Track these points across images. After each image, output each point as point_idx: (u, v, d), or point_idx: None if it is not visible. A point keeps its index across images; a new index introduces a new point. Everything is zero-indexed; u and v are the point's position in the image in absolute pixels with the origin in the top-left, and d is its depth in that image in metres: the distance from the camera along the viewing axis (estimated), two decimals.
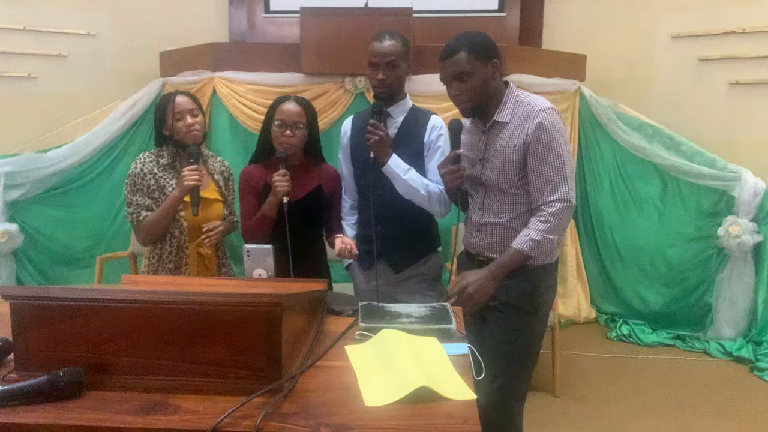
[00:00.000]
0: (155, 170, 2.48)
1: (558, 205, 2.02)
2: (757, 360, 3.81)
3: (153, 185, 2.47)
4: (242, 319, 1.27)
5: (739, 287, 4.03)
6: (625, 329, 4.30)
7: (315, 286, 1.69)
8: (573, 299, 4.44)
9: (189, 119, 2.48)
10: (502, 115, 2.12)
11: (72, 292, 1.30)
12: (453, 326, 1.64)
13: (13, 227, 4.09)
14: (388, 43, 2.42)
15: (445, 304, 1.81)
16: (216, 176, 2.63)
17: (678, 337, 4.21)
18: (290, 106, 2.49)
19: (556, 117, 2.08)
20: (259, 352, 1.28)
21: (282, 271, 2.25)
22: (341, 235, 2.46)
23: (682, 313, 4.26)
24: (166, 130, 2.52)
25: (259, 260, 1.98)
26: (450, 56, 2.09)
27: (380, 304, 1.78)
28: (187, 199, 2.42)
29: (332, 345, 1.56)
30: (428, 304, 1.81)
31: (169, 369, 1.28)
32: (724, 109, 4.49)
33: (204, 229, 2.48)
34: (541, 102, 2.10)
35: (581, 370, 3.76)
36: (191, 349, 1.28)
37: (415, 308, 1.76)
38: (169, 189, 2.46)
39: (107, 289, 1.36)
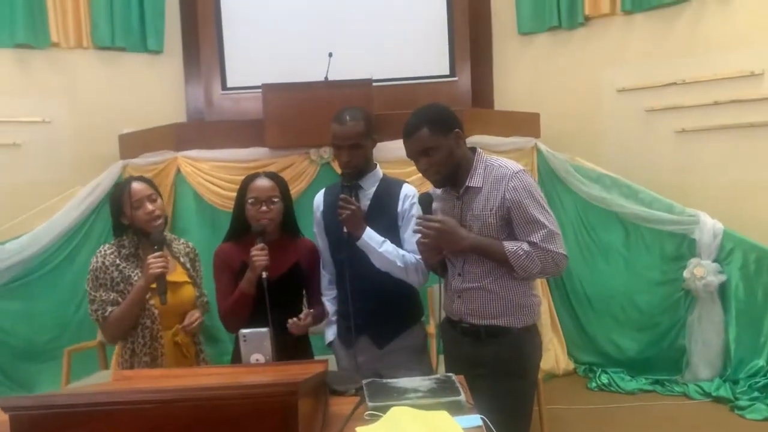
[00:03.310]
0: (118, 261, 2.37)
1: (554, 249, 2.06)
2: (737, 398, 3.85)
3: (117, 277, 2.34)
4: (259, 409, 1.23)
5: (710, 327, 4.10)
6: (604, 378, 4.30)
7: (316, 367, 1.65)
8: (550, 352, 4.44)
9: (149, 206, 2.38)
10: (475, 180, 2.16)
11: (78, 398, 1.24)
12: (462, 398, 1.62)
13: None
14: (349, 125, 2.37)
15: (450, 375, 1.78)
16: (182, 258, 2.53)
17: (657, 382, 4.23)
18: (262, 182, 2.46)
19: (529, 177, 2.15)
20: None
21: None
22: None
23: (658, 358, 4.30)
24: (124, 219, 2.41)
25: (255, 345, 1.92)
26: (412, 134, 2.12)
27: (384, 380, 1.75)
28: (154, 286, 2.30)
29: (343, 426, 1.52)
30: (433, 377, 1.79)
31: None
32: (674, 156, 4.67)
33: (184, 324, 2.40)
34: (513, 165, 2.16)
35: (568, 424, 3.73)
36: None
37: (420, 382, 1.73)
38: (135, 279, 2.34)
39: (113, 392, 1.30)
